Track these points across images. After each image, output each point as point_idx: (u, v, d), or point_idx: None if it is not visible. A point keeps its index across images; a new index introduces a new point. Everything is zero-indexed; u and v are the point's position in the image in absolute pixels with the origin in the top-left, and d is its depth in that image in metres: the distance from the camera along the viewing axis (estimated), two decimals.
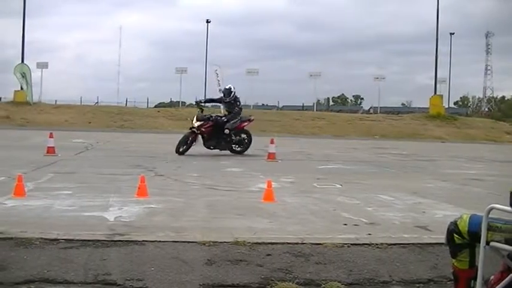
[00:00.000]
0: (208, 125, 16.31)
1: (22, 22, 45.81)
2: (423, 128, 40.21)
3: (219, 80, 42.68)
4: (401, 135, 35.91)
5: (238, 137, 16.95)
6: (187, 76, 49.82)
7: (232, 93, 16.96)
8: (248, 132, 17.25)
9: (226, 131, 16.37)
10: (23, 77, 43.08)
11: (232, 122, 16.61)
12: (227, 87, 17.45)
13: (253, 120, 17.78)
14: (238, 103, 17.11)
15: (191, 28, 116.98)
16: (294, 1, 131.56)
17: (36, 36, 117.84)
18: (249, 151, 17.10)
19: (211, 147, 16.59)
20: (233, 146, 16.89)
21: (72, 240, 5.20)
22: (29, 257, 4.64)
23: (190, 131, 16.42)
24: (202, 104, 17.75)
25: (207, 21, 58.78)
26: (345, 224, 6.45)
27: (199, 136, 16.33)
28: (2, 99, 49.38)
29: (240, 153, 16.87)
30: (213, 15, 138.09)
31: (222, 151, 16.69)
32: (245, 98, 57.48)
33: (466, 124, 43.23)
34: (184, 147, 16.07)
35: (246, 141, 17.12)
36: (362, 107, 77.77)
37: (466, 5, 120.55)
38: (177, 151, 15.90)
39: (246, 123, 17.22)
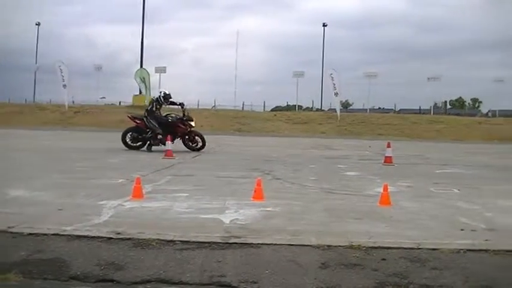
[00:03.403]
0: None
1: (141, 28, 48.41)
2: None
3: (334, 84, 42.84)
4: None
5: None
6: (303, 80, 50.11)
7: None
8: None
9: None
10: (142, 81, 45.43)
11: None
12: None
13: None
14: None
15: (308, 31, 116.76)
16: (413, 2, 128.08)
17: (154, 42, 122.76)
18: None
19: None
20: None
21: (189, 242, 5.42)
22: (146, 257, 4.89)
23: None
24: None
25: (324, 25, 59.29)
26: (462, 230, 6.35)
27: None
28: (122, 103, 52.19)
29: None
30: (330, 17, 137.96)
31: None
32: (362, 101, 57.14)
33: None
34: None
35: None
36: (480, 110, 75.82)
37: None
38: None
39: None
